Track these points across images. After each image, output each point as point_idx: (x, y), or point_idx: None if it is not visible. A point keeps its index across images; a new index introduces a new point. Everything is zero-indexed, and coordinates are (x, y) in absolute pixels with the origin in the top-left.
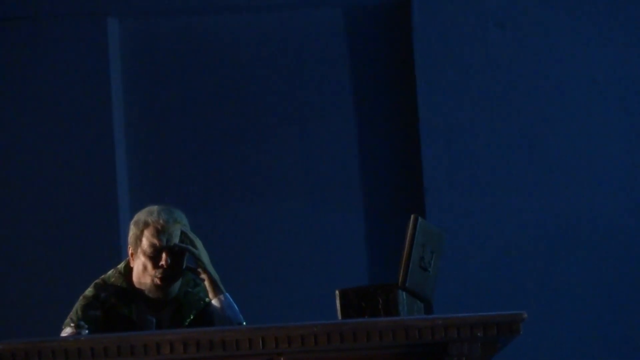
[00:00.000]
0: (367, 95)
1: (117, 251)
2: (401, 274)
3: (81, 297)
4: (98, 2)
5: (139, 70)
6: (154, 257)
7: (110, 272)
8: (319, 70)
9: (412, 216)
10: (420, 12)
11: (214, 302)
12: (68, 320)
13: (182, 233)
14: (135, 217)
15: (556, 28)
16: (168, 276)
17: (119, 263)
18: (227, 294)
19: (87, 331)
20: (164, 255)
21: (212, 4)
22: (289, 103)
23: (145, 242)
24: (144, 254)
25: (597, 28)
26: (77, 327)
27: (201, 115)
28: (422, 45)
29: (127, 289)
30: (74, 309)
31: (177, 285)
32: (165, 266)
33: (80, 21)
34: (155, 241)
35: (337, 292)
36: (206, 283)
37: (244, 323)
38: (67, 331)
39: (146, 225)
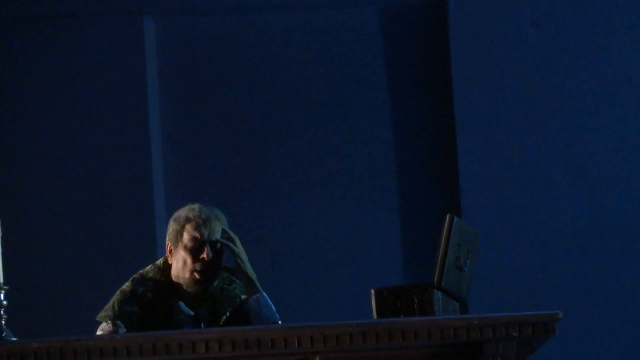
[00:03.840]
0: (403, 95)
1: (152, 249)
2: (437, 274)
3: (118, 292)
4: (134, 1)
5: (175, 69)
6: (195, 251)
7: (148, 267)
8: (355, 70)
9: (447, 216)
10: (456, 11)
11: (251, 301)
12: (103, 314)
13: (223, 231)
14: (175, 214)
15: (591, 27)
16: (207, 270)
17: (154, 260)
18: (264, 292)
19: (124, 330)
20: (205, 248)
21: (248, 3)
22: (325, 102)
23: (186, 236)
24: (185, 248)
25: (633, 27)
26: (114, 326)
27: (237, 114)
28: (457, 44)
29: (165, 283)
30: (110, 303)
31: (214, 282)
32: (206, 259)
33: (117, 20)
34: (197, 234)
35: (372, 291)
36: (244, 282)
37: (280, 322)
38: (103, 327)
39: (188, 220)
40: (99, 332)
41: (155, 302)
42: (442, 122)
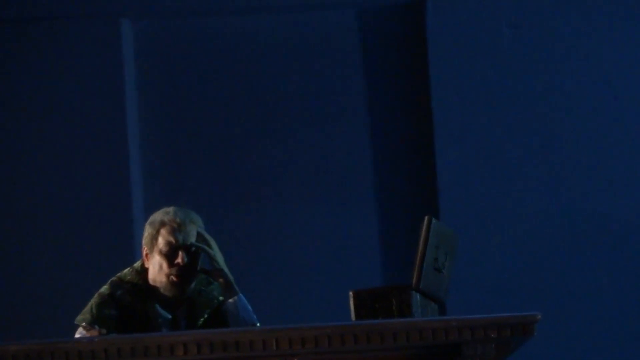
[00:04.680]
0: (381, 97)
1: (130, 252)
2: (415, 275)
3: (97, 295)
4: (111, 4)
5: (152, 72)
6: (170, 255)
7: (126, 270)
8: (333, 72)
9: (425, 217)
10: (434, 13)
11: (228, 304)
12: (81, 317)
13: (198, 234)
14: (151, 218)
15: (569, 28)
16: (184, 274)
17: (132, 263)
18: (241, 295)
19: (103, 332)
20: (180, 253)
21: (226, 5)
22: (303, 104)
23: (161, 241)
24: (160, 252)
25: (610, 27)
26: (93, 329)
27: (215, 116)
28: (436, 46)
29: (143, 287)
30: (88, 306)
31: (191, 285)
32: (181, 264)
33: (94, 22)
34: (172, 239)
35: (350, 293)
36: (220, 284)
37: (258, 324)
38: (81, 331)
39: (162, 224)
40: (77, 335)
41: (134, 305)
42: (420, 123)
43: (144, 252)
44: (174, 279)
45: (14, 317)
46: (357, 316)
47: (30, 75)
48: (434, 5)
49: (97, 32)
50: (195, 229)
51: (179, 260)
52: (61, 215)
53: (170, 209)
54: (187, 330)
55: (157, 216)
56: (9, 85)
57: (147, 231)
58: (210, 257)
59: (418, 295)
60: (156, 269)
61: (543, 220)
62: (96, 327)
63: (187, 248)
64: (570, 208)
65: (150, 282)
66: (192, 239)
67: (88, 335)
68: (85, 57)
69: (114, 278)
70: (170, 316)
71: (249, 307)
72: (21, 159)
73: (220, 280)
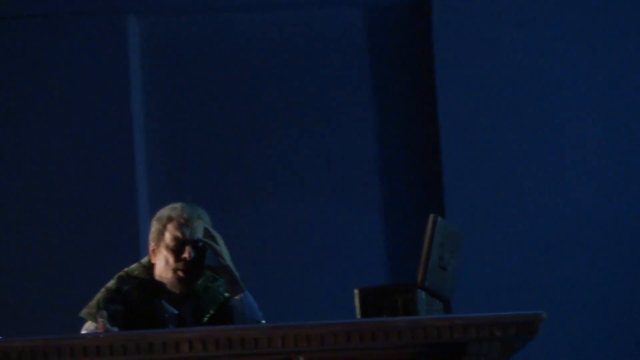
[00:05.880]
0: (386, 94)
1: (135, 248)
2: (420, 273)
3: (103, 289)
4: (118, 1)
5: (158, 68)
6: (176, 250)
7: (133, 265)
8: (338, 69)
9: (431, 215)
10: (439, 11)
11: (234, 300)
12: (87, 311)
13: (205, 230)
14: (158, 214)
15: (574, 27)
16: (190, 269)
17: (137, 259)
18: (247, 291)
19: (112, 328)
20: (187, 248)
21: (231, 2)
22: (308, 101)
23: (168, 236)
24: (167, 247)
25: (616, 27)
26: (98, 314)
27: (220, 113)
28: (441, 43)
29: (149, 282)
30: (95, 300)
31: (198, 281)
32: (188, 259)
33: (100, 19)
34: (179, 234)
35: (356, 291)
36: (226, 281)
37: (263, 321)
38: (87, 327)
39: (169, 219)
40: (83, 331)
41: (140, 300)
42: (425, 121)
43: (151, 248)
44: (181, 274)
45: (19, 313)
46: (363, 314)
47: (36, 71)
48: (439, 3)
49: (103, 29)
50: (202, 224)
51: (185, 255)
52: (67, 211)
53: (178, 205)
54: (192, 326)
55: (164, 212)
56: (15, 82)
57: (154, 226)
58: (216, 253)
59: (423, 294)
60: (163, 264)
61: (549, 218)
62: (104, 312)
63: (194, 243)
64: (577, 207)
65: (157, 277)
66: (199, 234)
67: (100, 325)
68: (91, 54)
69: (121, 273)
70: (176, 312)
71: (255, 304)
72: (26, 155)
73: (226, 276)
